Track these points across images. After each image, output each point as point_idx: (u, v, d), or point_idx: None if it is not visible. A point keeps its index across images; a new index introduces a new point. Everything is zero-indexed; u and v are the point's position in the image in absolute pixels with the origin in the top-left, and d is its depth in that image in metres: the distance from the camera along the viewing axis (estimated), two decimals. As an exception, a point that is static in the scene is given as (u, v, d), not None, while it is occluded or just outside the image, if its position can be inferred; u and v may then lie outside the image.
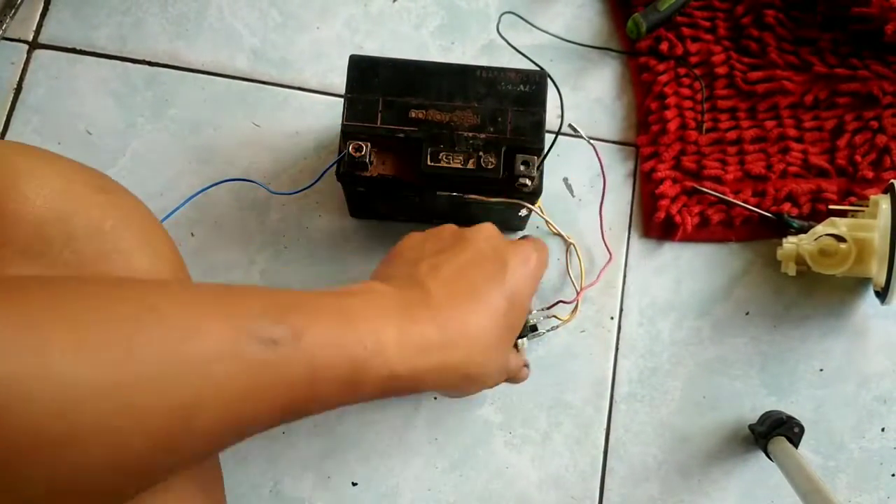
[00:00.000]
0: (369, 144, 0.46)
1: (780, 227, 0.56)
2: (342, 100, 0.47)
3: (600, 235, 0.55)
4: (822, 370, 0.55)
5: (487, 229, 0.43)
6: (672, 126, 0.57)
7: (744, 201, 0.56)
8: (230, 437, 0.29)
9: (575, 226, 0.57)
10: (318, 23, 0.60)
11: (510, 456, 0.53)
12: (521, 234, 0.56)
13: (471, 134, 0.46)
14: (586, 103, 0.59)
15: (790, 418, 0.51)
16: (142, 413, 0.25)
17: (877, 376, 0.55)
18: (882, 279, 0.51)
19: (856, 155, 0.57)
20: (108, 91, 0.58)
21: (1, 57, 0.58)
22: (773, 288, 0.56)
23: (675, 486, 0.53)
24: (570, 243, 0.55)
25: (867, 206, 0.54)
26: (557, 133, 0.45)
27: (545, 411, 0.54)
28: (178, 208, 0.54)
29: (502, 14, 0.58)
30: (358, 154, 0.45)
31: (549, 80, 0.47)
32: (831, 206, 0.55)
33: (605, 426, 0.54)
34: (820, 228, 0.52)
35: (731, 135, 0.58)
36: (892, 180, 0.51)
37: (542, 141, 0.46)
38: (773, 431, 0.51)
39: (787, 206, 0.56)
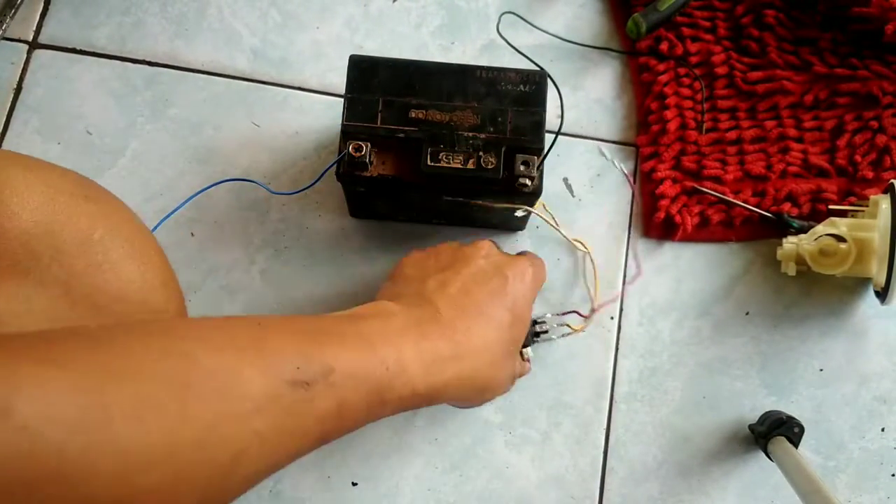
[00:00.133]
0: (369, 144, 0.46)
1: (780, 227, 0.56)
2: (342, 100, 0.47)
3: (625, 248, 0.56)
4: (822, 370, 0.55)
5: (486, 247, 0.45)
6: (672, 126, 0.57)
7: (744, 201, 0.56)
8: (265, 475, 0.30)
9: (575, 226, 0.57)
10: (318, 23, 0.60)
11: (510, 456, 0.53)
12: (520, 234, 0.56)
13: (471, 134, 0.46)
14: (586, 103, 0.59)
15: (790, 418, 0.51)
16: (192, 471, 0.26)
17: (877, 376, 0.55)
18: (882, 279, 0.51)
19: (856, 155, 0.57)
20: (108, 91, 0.58)
21: (1, 57, 0.58)
22: (773, 288, 0.56)
23: (675, 486, 0.53)
24: (587, 252, 0.55)
25: (867, 206, 0.54)
26: (557, 133, 0.45)
27: (545, 411, 0.54)
28: (178, 208, 0.54)
29: (502, 14, 0.58)
30: (358, 154, 0.45)
31: (549, 80, 0.47)
32: (831, 206, 0.55)
33: (605, 426, 0.54)
34: (820, 228, 0.52)
35: (731, 135, 0.58)
36: (892, 180, 0.51)
37: (542, 141, 0.46)
38: (773, 431, 0.51)
39: (787, 206, 0.56)
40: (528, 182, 0.46)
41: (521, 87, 0.47)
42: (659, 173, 0.57)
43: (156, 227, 0.53)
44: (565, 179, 0.58)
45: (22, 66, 0.58)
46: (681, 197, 0.57)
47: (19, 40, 0.59)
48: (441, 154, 0.46)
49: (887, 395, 0.55)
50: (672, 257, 0.57)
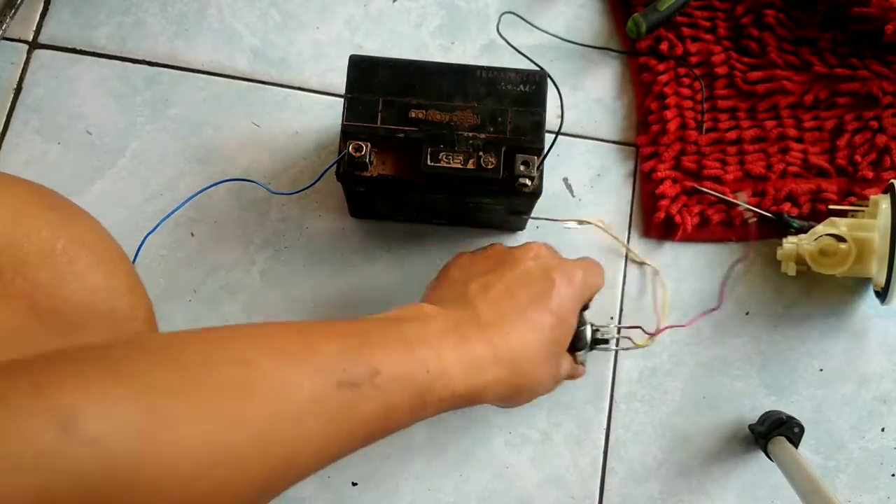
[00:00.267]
0: (369, 144, 0.46)
1: (780, 227, 0.56)
2: (342, 100, 0.47)
3: (722, 285, 0.56)
4: (822, 370, 0.55)
5: (536, 248, 0.45)
6: (672, 126, 0.57)
7: (744, 201, 0.56)
8: (316, 471, 0.32)
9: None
10: (318, 23, 0.60)
11: (510, 456, 0.53)
12: (520, 234, 0.56)
13: (471, 134, 0.46)
14: (586, 103, 0.59)
15: (790, 418, 0.51)
16: (252, 468, 0.27)
17: (877, 376, 0.55)
18: (882, 279, 0.51)
19: (856, 155, 0.57)
20: (108, 91, 0.58)
21: (1, 57, 0.58)
22: (773, 288, 0.56)
23: (675, 485, 0.53)
24: (656, 271, 0.56)
25: (867, 206, 0.54)
26: (557, 133, 0.45)
27: (545, 411, 0.54)
28: (178, 208, 0.54)
29: (502, 14, 0.58)
30: (358, 154, 0.45)
31: (549, 80, 0.47)
32: (831, 206, 0.55)
33: (605, 426, 0.54)
34: (820, 228, 0.52)
35: (731, 135, 0.58)
36: (892, 180, 0.51)
37: (542, 141, 0.46)
38: (773, 431, 0.51)
39: (787, 206, 0.56)
40: (528, 182, 0.46)
41: (521, 87, 0.47)
42: (659, 173, 0.57)
43: (156, 227, 0.53)
44: (565, 179, 0.58)
45: (22, 66, 0.58)
46: (681, 197, 0.57)
47: (19, 40, 0.59)
48: (441, 154, 0.46)
49: (887, 395, 0.55)
50: (672, 257, 0.57)
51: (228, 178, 0.56)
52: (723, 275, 0.56)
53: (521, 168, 0.46)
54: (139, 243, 0.51)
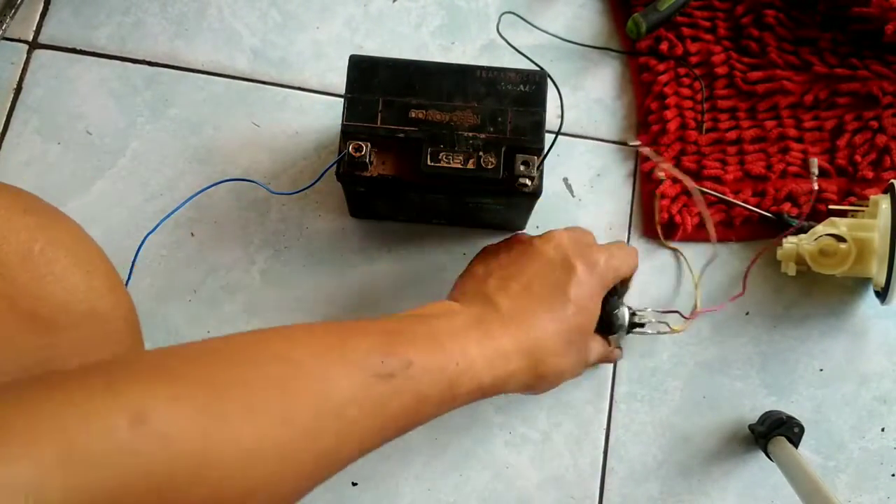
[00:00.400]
0: (369, 144, 0.46)
1: (780, 227, 0.56)
2: (342, 100, 0.47)
3: (746, 271, 0.56)
4: (822, 370, 0.55)
5: (558, 237, 0.46)
6: (672, 126, 0.57)
7: (744, 201, 0.56)
8: (352, 461, 0.34)
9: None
10: (318, 23, 0.60)
11: (510, 456, 0.53)
12: (521, 233, 0.56)
13: (471, 134, 0.46)
14: (586, 103, 0.59)
15: (790, 418, 0.51)
16: (298, 463, 0.29)
17: (877, 376, 0.55)
18: (882, 279, 0.51)
19: (856, 155, 0.57)
20: (108, 91, 0.58)
21: (1, 57, 0.58)
22: (773, 288, 0.56)
23: (675, 485, 0.53)
24: (683, 257, 0.56)
25: (867, 206, 0.54)
26: (557, 133, 0.45)
27: (545, 411, 0.54)
28: (178, 208, 0.54)
29: (502, 14, 0.58)
30: (358, 154, 0.45)
31: (549, 80, 0.47)
32: (831, 206, 0.55)
33: (605, 426, 0.54)
34: (820, 228, 0.52)
35: (731, 135, 0.58)
36: (892, 180, 0.51)
37: (542, 141, 0.46)
38: (773, 431, 0.51)
39: (787, 206, 0.56)
40: (528, 182, 0.46)
41: (521, 87, 0.47)
42: (659, 173, 0.57)
43: (156, 227, 0.53)
44: (565, 179, 0.58)
45: (22, 66, 0.58)
46: (681, 197, 0.57)
47: (19, 40, 0.59)
48: (441, 154, 0.46)
49: (887, 395, 0.55)
50: (672, 257, 0.57)
51: (228, 178, 0.56)
52: (723, 275, 0.56)
53: (521, 168, 0.45)
54: (139, 243, 0.51)
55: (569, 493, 0.53)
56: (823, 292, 0.56)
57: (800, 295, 0.56)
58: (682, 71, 0.59)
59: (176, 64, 0.59)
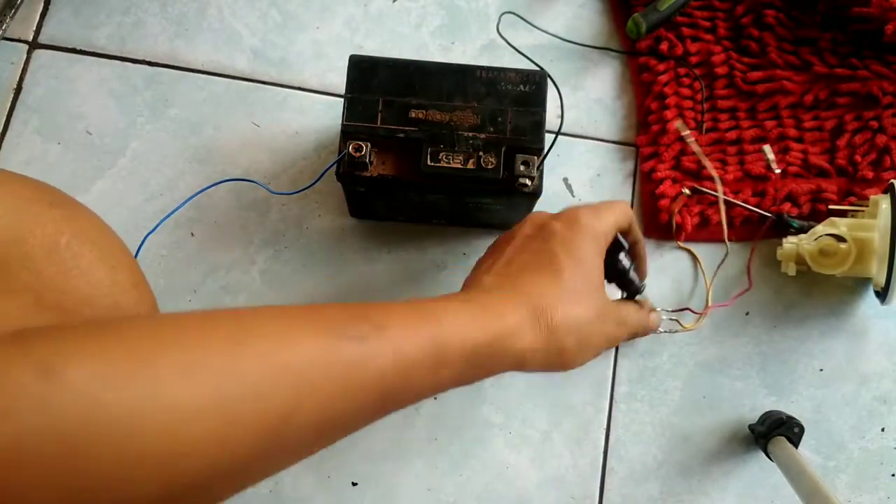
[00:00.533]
0: (369, 144, 0.46)
1: (780, 227, 0.56)
2: (342, 100, 0.47)
3: (748, 267, 0.56)
4: (822, 370, 0.55)
5: (534, 215, 0.44)
6: (672, 126, 0.57)
7: (744, 201, 0.56)
8: (327, 436, 0.30)
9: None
10: (318, 23, 0.60)
11: (510, 456, 0.53)
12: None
13: (471, 134, 0.46)
14: (586, 103, 0.59)
15: (790, 418, 0.51)
16: (244, 423, 0.26)
17: (877, 376, 0.55)
18: (882, 279, 0.51)
19: (856, 155, 0.57)
20: (108, 91, 0.58)
21: (1, 57, 0.58)
22: (773, 288, 0.56)
23: (675, 485, 0.53)
24: (695, 256, 0.56)
25: (867, 206, 0.54)
26: (557, 133, 0.45)
27: (545, 411, 0.54)
28: (178, 208, 0.54)
29: (502, 14, 0.58)
30: (358, 154, 0.45)
31: (549, 80, 0.47)
32: (831, 206, 0.55)
33: (605, 426, 0.54)
34: (820, 228, 0.52)
35: (731, 135, 0.58)
36: (892, 180, 0.51)
37: (542, 141, 0.46)
38: (773, 431, 0.51)
39: (787, 206, 0.56)
40: (528, 182, 0.46)
41: (521, 87, 0.47)
42: (659, 173, 0.57)
43: (156, 227, 0.53)
44: (565, 179, 0.58)
45: (22, 66, 0.58)
46: (681, 197, 0.57)
47: (19, 40, 0.59)
48: (441, 154, 0.46)
49: (887, 395, 0.55)
50: (672, 257, 0.57)
51: (228, 178, 0.56)
52: (723, 275, 0.56)
53: (521, 168, 0.46)
54: (139, 243, 0.51)
55: (569, 493, 0.53)
56: (823, 292, 0.56)
57: (800, 295, 0.56)
58: (682, 71, 0.59)
59: (176, 64, 0.59)
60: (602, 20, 0.61)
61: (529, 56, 0.48)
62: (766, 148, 0.56)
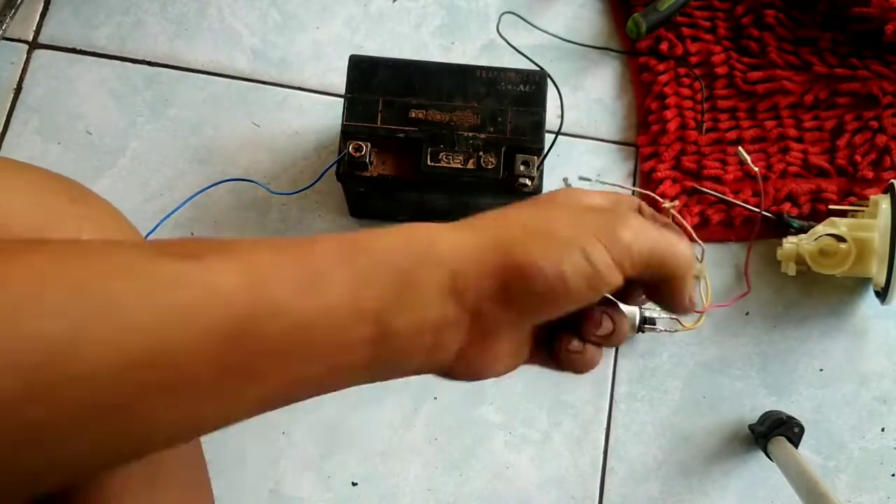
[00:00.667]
0: (369, 144, 0.46)
1: (780, 227, 0.56)
2: (342, 100, 0.47)
3: (744, 270, 0.56)
4: (822, 370, 0.55)
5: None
6: (672, 126, 0.57)
7: (744, 201, 0.56)
8: (155, 389, 0.20)
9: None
10: (318, 23, 0.60)
11: (510, 456, 0.53)
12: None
13: (471, 134, 0.46)
14: (586, 103, 0.59)
15: (790, 418, 0.51)
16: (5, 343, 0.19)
17: (877, 376, 0.55)
18: (882, 279, 0.51)
19: (856, 155, 0.57)
20: (107, 91, 0.58)
21: (1, 57, 0.58)
22: (773, 288, 0.56)
23: (675, 485, 0.53)
24: (700, 251, 0.56)
25: (867, 206, 0.54)
26: (557, 133, 0.45)
27: (545, 411, 0.54)
28: (178, 208, 0.54)
29: (502, 14, 0.58)
30: (358, 154, 0.45)
31: (549, 80, 0.47)
32: (831, 206, 0.55)
33: (605, 426, 0.54)
34: (820, 228, 0.52)
35: (731, 135, 0.58)
36: (892, 180, 0.51)
37: (542, 141, 0.46)
38: (773, 431, 0.51)
39: (787, 206, 0.56)
40: (528, 182, 0.46)
41: (521, 87, 0.47)
42: (659, 173, 0.57)
43: (156, 227, 0.53)
44: (565, 179, 0.58)
45: (22, 66, 0.58)
46: (681, 197, 0.56)
47: (19, 40, 0.59)
48: (441, 154, 0.46)
49: (887, 395, 0.55)
50: (672, 257, 0.56)
51: (228, 178, 0.56)
52: (723, 275, 0.56)
53: (521, 168, 0.46)
54: (139, 243, 0.51)
55: (569, 493, 0.53)
56: (823, 292, 0.56)
57: (800, 295, 0.56)
58: (682, 71, 0.59)
59: (176, 64, 0.59)
60: (602, 20, 0.61)
61: (529, 56, 0.48)
62: (740, 150, 0.56)
